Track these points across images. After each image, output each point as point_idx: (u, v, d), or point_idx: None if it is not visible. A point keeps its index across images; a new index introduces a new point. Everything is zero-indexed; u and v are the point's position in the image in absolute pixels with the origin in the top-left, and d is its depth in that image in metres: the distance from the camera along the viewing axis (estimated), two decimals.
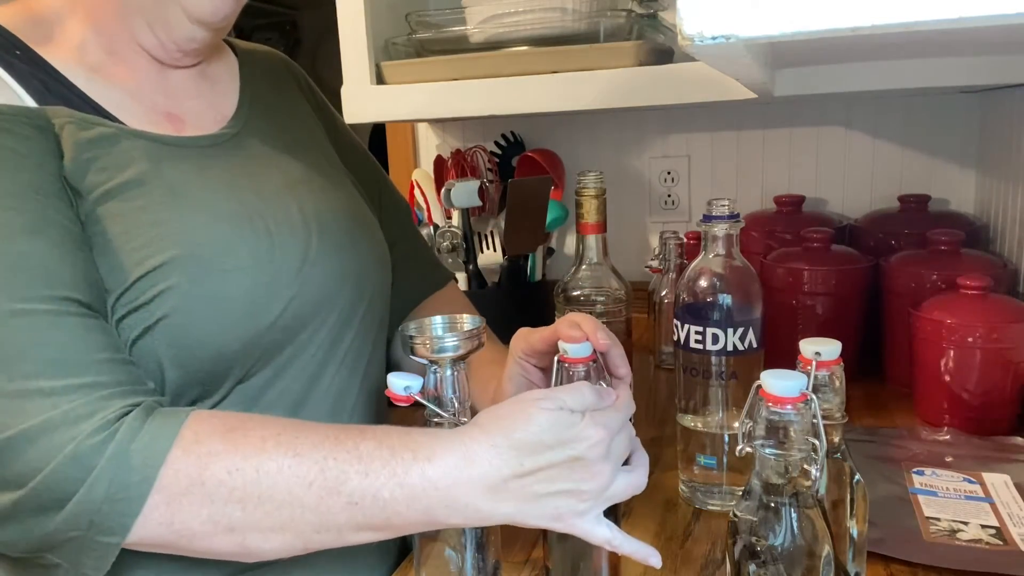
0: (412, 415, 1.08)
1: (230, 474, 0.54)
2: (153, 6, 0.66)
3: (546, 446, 0.55)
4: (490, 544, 0.63)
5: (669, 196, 1.52)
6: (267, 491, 0.54)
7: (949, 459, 0.86)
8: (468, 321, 0.64)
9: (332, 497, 0.54)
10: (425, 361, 0.60)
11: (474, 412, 0.61)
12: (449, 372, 0.60)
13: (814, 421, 0.51)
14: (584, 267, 0.86)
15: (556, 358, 0.64)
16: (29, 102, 0.61)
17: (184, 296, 0.60)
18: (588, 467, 0.56)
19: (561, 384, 0.63)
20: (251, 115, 0.75)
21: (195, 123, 0.70)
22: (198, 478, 0.53)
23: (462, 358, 0.60)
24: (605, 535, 0.57)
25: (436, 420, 0.60)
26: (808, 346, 0.57)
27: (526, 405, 0.56)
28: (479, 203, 1.33)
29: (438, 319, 0.64)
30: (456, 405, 0.60)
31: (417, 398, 0.60)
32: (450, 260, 1.31)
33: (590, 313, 0.84)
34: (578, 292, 0.86)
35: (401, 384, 0.59)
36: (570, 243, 1.58)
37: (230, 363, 0.63)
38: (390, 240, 0.86)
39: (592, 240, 0.86)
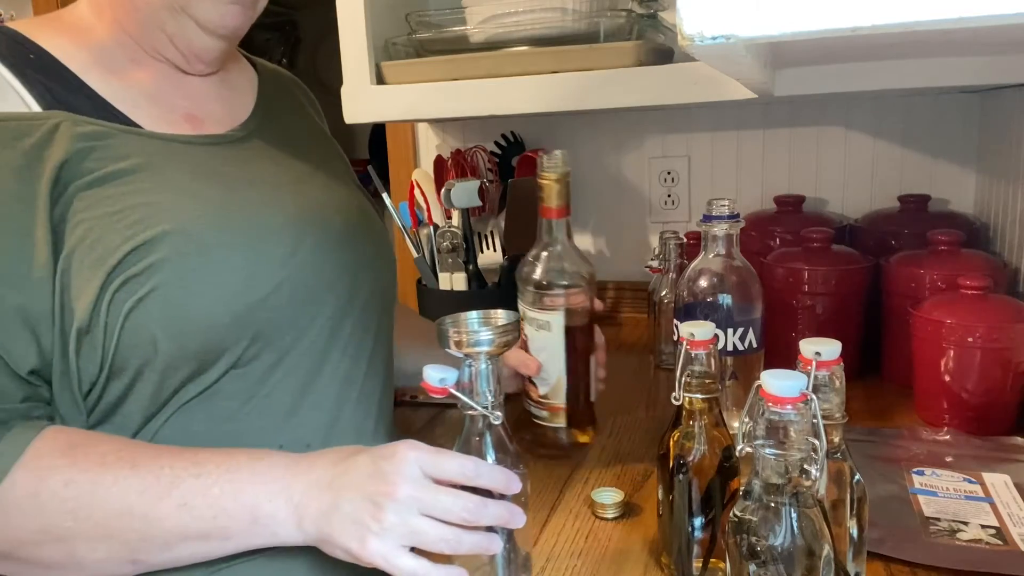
0: (413, 413, 1.07)
1: (66, 486, 0.58)
2: (170, 20, 0.70)
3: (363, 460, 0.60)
4: (521, 534, 0.64)
5: (669, 196, 1.52)
6: (100, 501, 0.58)
7: (949, 459, 0.86)
8: (503, 316, 0.65)
9: (163, 501, 0.58)
10: (460, 355, 0.61)
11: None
12: (483, 366, 0.61)
13: (814, 421, 0.51)
14: (545, 251, 0.86)
15: (680, 340, 0.64)
16: (35, 107, 0.63)
17: (174, 268, 0.63)
18: (386, 479, 0.58)
19: (684, 367, 0.64)
20: (264, 119, 0.79)
21: (214, 124, 0.74)
22: (34, 491, 0.57)
23: (497, 352, 0.61)
24: (409, 565, 0.58)
25: (470, 413, 0.62)
26: (808, 346, 0.57)
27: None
28: (479, 203, 1.33)
29: (473, 314, 0.66)
30: (490, 398, 0.61)
31: (452, 391, 0.61)
32: (450, 260, 1.31)
33: (551, 297, 0.84)
34: (539, 276, 0.85)
35: (437, 376, 0.61)
36: None
37: (222, 337, 0.65)
38: None
39: (554, 224, 0.85)
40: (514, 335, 0.62)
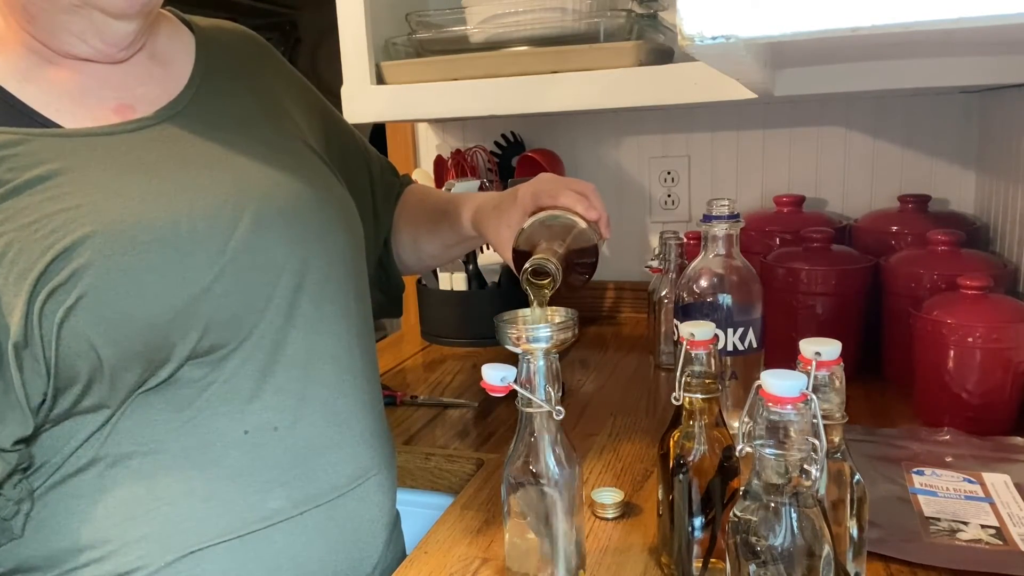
0: (413, 413, 1.06)
1: None
2: (73, 20, 0.66)
3: None
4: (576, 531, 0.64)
5: (669, 196, 1.52)
6: None
7: (949, 459, 0.86)
8: (560, 313, 0.65)
9: None
10: (519, 351, 0.62)
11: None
12: (542, 362, 0.61)
13: (814, 421, 0.51)
14: None
15: (680, 340, 0.65)
16: None
17: (99, 271, 0.61)
18: None
19: (684, 367, 0.64)
20: (199, 93, 0.74)
21: (146, 106, 0.71)
22: None
23: (555, 349, 0.62)
24: None
25: (528, 409, 0.62)
26: (808, 346, 0.57)
27: None
28: None
29: (530, 311, 0.66)
30: (553, 394, 0.61)
31: (515, 387, 0.61)
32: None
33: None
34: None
35: (497, 375, 0.61)
36: None
37: (166, 333, 0.63)
38: (385, 193, 0.97)
39: None
40: (572, 331, 0.62)
